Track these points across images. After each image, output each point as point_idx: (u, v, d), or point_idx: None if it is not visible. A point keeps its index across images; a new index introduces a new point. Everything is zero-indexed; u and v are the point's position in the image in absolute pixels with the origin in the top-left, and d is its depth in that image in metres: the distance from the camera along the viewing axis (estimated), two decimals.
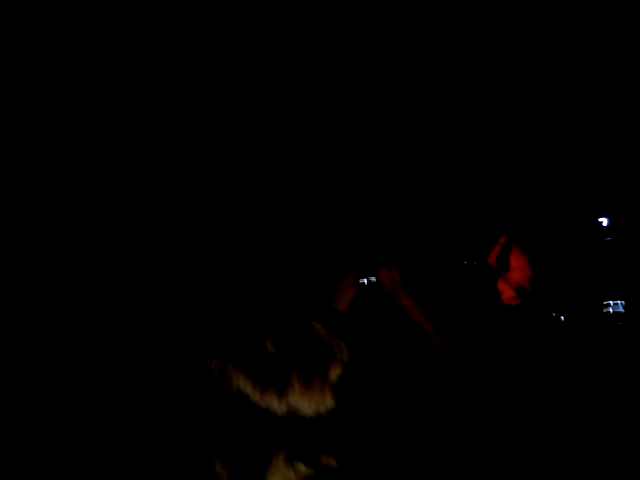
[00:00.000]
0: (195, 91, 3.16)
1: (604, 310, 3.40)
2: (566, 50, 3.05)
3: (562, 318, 2.14)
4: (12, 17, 2.61)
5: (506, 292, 3.30)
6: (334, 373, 0.64)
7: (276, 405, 0.61)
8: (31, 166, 3.11)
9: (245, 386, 0.63)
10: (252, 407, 0.62)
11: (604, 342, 2.47)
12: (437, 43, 3.02)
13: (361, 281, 1.52)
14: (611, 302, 3.51)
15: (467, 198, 4.14)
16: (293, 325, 0.68)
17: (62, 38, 2.78)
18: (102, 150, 3.22)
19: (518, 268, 3.53)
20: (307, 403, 0.61)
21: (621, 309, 3.41)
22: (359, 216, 3.47)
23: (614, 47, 2.97)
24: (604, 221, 4.26)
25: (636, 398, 1.99)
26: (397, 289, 1.42)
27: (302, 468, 0.61)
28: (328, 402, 0.62)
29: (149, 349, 2.99)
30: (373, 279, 1.49)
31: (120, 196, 3.24)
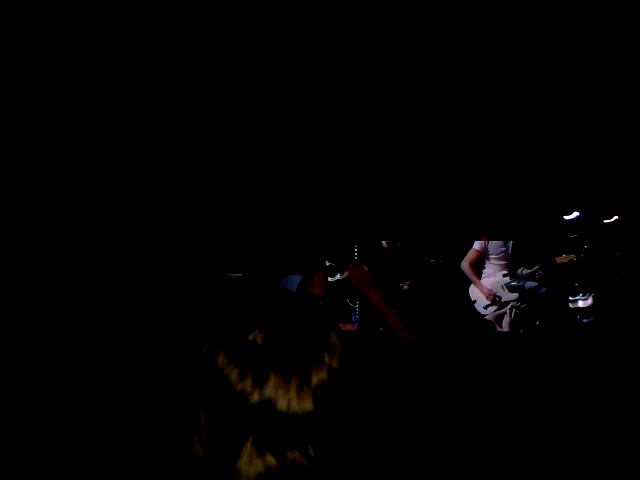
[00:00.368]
0: (194, 91, 3.13)
1: (573, 304, 3.46)
2: (548, 52, 3.08)
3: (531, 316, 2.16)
4: (12, 17, 2.55)
5: (480, 297, 3.32)
6: (316, 378, 0.63)
7: (250, 392, 0.62)
8: (31, 166, 3.07)
9: (226, 367, 0.64)
10: (230, 389, 0.63)
11: (575, 336, 2.51)
12: (435, 43, 3.03)
13: (330, 279, 1.49)
14: (580, 296, 3.57)
15: (437, 196, 4.16)
16: (286, 319, 0.67)
17: (62, 38, 2.73)
18: (102, 150, 3.18)
19: (490, 274, 3.56)
20: (282, 399, 0.61)
21: (590, 302, 3.47)
22: (327, 212, 3.46)
23: (599, 48, 3.01)
24: (571, 216, 4.33)
25: (610, 389, 2.03)
26: (365, 286, 1.40)
27: (270, 459, 0.61)
28: (305, 404, 0.62)
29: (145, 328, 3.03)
30: (342, 276, 1.47)
31: (115, 189, 3.21)
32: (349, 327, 2.22)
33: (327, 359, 0.65)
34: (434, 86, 3.27)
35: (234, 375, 0.63)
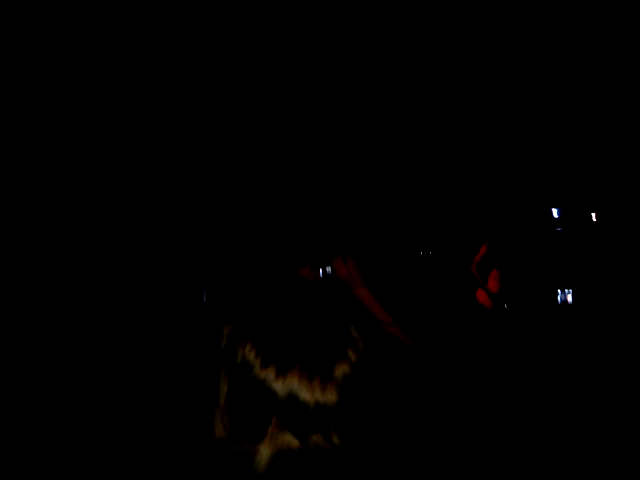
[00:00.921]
0: (194, 90, 3.11)
1: (554, 299, 3.50)
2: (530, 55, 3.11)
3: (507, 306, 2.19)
4: (12, 17, 2.51)
5: (485, 301, 3.36)
6: (339, 371, 0.64)
7: (273, 382, 0.62)
8: (31, 166, 3.04)
9: (249, 354, 0.64)
10: (252, 375, 0.63)
11: (556, 330, 2.54)
12: (431, 43, 3.03)
13: (317, 272, 1.49)
14: (560, 292, 3.61)
15: (428, 193, 4.17)
16: (309, 310, 0.67)
17: (62, 38, 2.69)
18: (102, 149, 3.17)
19: (495, 278, 3.60)
20: (305, 391, 0.62)
21: (570, 298, 3.51)
22: (314, 207, 3.46)
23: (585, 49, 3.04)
24: (554, 212, 4.38)
25: (591, 384, 2.06)
26: (353, 280, 1.40)
27: (293, 440, 0.62)
28: (329, 396, 0.63)
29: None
30: (329, 270, 1.46)
31: (121, 190, 3.22)
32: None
33: (350, 354, 0.66)
34: (429, 84, 3.28)
35: (257, 362, 0.63)
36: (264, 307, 0.68)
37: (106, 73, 2.91)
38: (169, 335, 2.93)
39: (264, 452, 0.62)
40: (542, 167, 3.86)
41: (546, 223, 4.39)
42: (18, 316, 2.77)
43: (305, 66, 3.07)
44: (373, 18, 2.80)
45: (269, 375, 0.63)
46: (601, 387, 2.08)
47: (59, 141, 3.09)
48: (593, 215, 4.05)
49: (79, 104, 3.03)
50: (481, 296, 3.27)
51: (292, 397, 0.62)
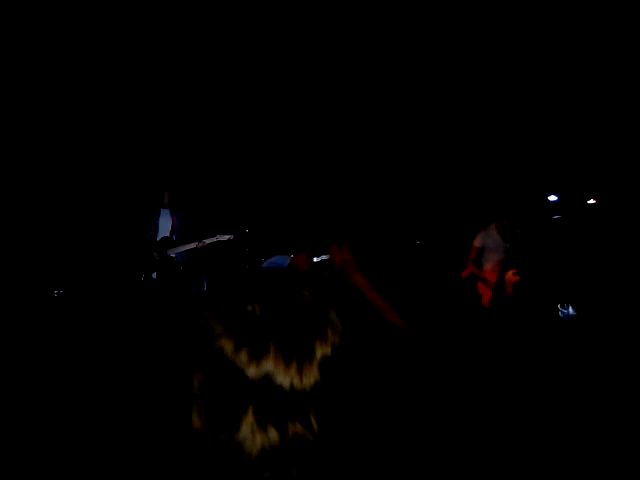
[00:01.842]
0: (193, 90, 3.09)
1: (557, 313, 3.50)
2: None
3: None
4: (12, 17, 2.48)
5: (485, 294, 3.33)
6: (320, 352, 0.62)
7: (247, 365, 0.60)
8: (31, 166, 3.02)
9: (221, 338, 0.62)
10: (224, 360, 0.61)
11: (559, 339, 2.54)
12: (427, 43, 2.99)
13: (315, 259, 1.47)
14: (562, 307, 3.61)
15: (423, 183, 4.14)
16: (286, 292, 0.65)
17: (63, 38, 2.66)
18: (102, 149, 3.16)
19: (491, 270, 3.59)
20: (282, 374, 0.59)
21: (572, 312, 3.51)
22: (311, 195, 3.44)
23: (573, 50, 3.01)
24: (553, 198, 4.35)
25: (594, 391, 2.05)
26: (349, 267, 1.38)
27: (272, 433, 0.59)
28: (309, 379, 0.60)
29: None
30: (325, 257, 1.45)
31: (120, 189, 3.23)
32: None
33: (330, 335, 0.63)
34: (427, 78, 3.26)
35: (229, 346, 0.61)
36: (237, 293, 0.66)
37: (106, 73, 2.90)
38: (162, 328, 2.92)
39: (245, 448, 0.59)
40: (541, 157, 3.84)
41: (544, 211, 4.36)
42: (19, 316, 2.76)
43: (305, 66, 3.05)
44: (373, 18, 2.78)
45: (241, 359, 0.60)
46: (601, 386, 2.08)
47: (58, 141, 3.09)
48: (591, 201, 4.03)
49: (79, 104, 3.02)
50: (481, 287, 3.25)
51: (266, 380, 0.59)
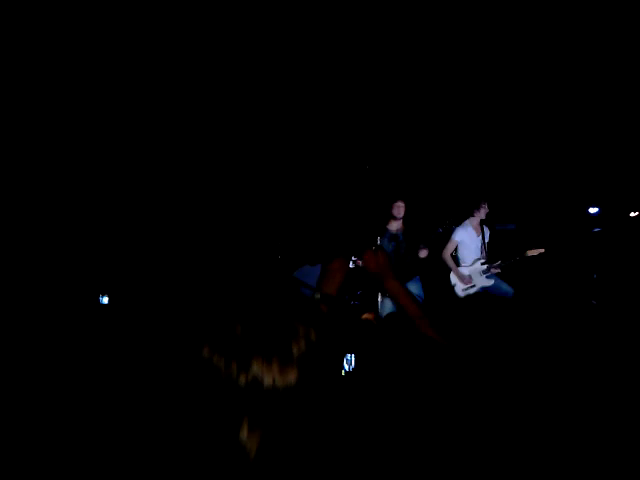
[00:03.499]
0: (193, 90, 3.14)
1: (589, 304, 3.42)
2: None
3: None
4: (13, 17, 2.57)
5: (459, 282, 3.24)
6: (296, 349, 0.71)
7: (237, 376, 0.70)
8: (31, 166, 3.11)
9: (214, 358, 0.72)
10: (219, 376, 0.71)
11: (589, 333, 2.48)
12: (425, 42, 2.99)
13: (350, 265, 1.49)
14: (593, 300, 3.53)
15: (455, 189, 4.10)
16: (263, 308, 0.76)
17: (63, 38, 2.73)
18: (102, 149, 3.21)
19: (468, 263, 3.52)
20: (268, 376, 0.69)
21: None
22: (347, 200, 3.45)
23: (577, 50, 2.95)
24: (594, 210, 4.24)
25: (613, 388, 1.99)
26: (383, 273, 1.39)
27: (267, 431, 0.68)
28: (289, 377, 0.70)
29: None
30: (361, 263, 1.46)
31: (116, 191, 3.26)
32: (371, 316, 2.20)
33: (301, 331, 0.73)
34: (429, 83, 3.25)
35: (221, 364, 0.72)
36: (223, 313, 0.77)
37: (106, 73, 2.93)
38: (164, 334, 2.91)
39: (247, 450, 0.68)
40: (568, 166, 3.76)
41: (584, 224, 4.27)
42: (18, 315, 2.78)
43: (305, 66, 3.06)
44: (373, 18, 2.79)
45: (232, 372, 0.70)
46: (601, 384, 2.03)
47: (59, 141, 3.13)
48: (635, 213, 3.92)
49: (79, 104, 3.06)
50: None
51: (255, 384, 0.69)
